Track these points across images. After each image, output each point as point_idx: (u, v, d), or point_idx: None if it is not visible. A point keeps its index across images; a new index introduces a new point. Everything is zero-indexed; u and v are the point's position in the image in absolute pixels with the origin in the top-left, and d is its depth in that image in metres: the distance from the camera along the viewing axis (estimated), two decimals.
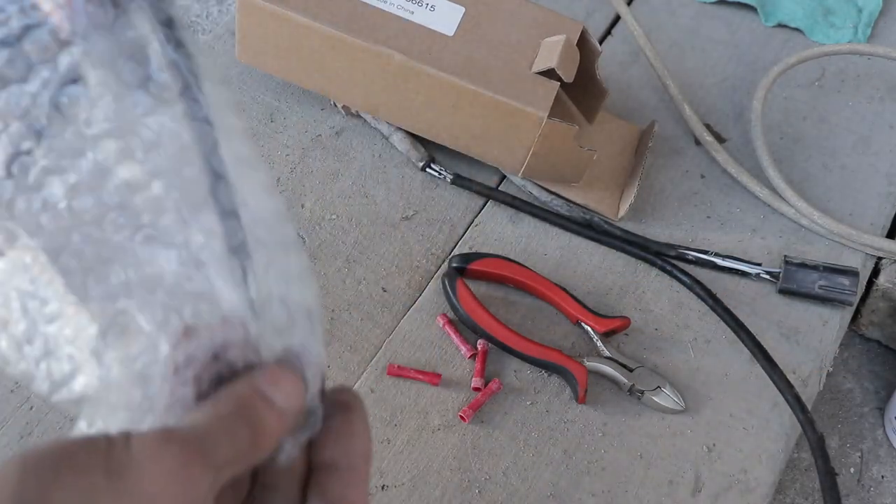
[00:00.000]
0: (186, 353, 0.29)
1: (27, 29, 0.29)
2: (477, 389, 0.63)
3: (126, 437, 0.28)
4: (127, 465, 0.27)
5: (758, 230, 0.74)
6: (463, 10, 0.70)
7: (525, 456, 0.62)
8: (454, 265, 0.68)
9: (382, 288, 0.68)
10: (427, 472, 0.60)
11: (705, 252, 0.71)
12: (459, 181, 0.74)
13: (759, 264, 0.71)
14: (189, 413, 0.29)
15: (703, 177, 0.77)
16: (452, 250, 0.71)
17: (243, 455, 0.30)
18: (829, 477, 0.60)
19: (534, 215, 0.73)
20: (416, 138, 0.75)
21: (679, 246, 0.72)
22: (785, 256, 0.71)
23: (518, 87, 0.68)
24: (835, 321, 0.70)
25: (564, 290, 0.68)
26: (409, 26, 0.69)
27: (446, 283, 0.67)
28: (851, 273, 0.70)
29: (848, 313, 0.72)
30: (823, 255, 0.73)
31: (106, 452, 0.27)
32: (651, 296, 0.70)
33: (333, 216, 0.72)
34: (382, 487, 0.59)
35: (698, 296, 0.69)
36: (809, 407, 0.64)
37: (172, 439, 0.28)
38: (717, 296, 0.68)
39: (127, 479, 0.27)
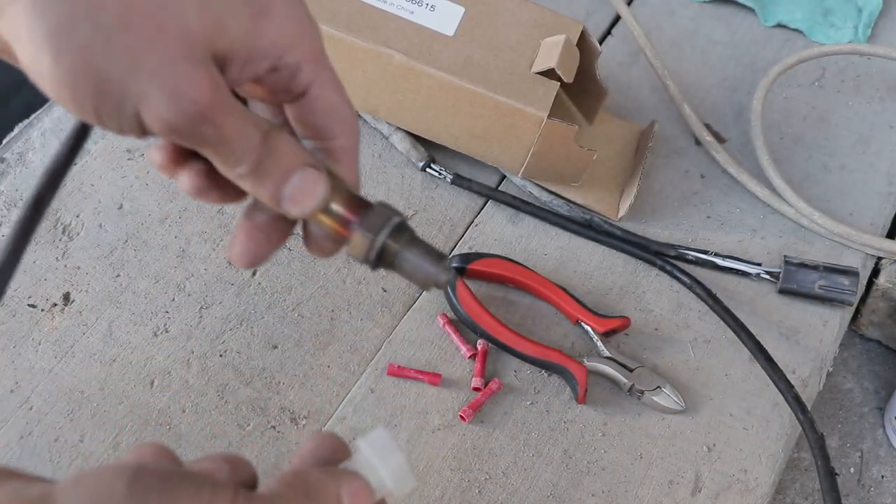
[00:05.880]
0: None
1: None
2: (477, 389, 0.63)
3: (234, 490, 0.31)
4: None
5: (758, 230, 0.74)
6: (463, 10, 0.70)
7: (525, 456, 0.62)
8: (454, 265, 0.68)
9: (382, 288, 0.68)
10: (427, 472, 0.60)
11: (705, 252, 0.71)
12: (459, 181, 0.74)
13: (759, 264, 0.71)
14: None
15: (702, 177, 0.77)
16: (452, 250, 0.71)
17: None
18: (829, 477, 0.60)
19: (534, 215, 0.73)
20: (416, 138, 0.75)
21: (679, 246, 0.72)
22: (785, 256, 0.71)
23: (518, 87, 0.68)
24: (835, 321, 0.70)
25: (564, 290, 0.68)
26: (409, 26, 0.69)
27: None
28: (851, 273, 0.70)
29: (848, 313, 0.72)
30: (823, 255, 0.73)
31: (212, 490, 0.30)
32: (651, 296, 0.70)
33: None
34: None
35: (698, 296, 0.69)
36: (809, 407, 0.64)
37: None
38: (717, 296, 0.68)
39: None
